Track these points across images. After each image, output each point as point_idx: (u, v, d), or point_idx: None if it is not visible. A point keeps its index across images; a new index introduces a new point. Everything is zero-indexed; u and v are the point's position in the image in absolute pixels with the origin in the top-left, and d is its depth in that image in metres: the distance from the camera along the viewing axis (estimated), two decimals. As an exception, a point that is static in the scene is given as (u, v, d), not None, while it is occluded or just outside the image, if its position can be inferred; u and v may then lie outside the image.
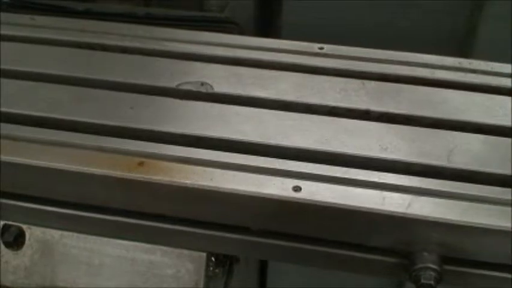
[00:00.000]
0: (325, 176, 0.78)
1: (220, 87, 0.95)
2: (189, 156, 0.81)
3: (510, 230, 0.73)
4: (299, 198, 0.75)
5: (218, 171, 0.79)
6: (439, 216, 0.74)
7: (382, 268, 0.81)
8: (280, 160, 0.80)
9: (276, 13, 1.61)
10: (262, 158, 0.81)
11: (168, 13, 1.36)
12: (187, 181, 0.77)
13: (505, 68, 1.02)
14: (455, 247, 0.77)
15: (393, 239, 0.78)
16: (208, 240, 0.85)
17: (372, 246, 0.79)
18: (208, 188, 0.77)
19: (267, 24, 1.62)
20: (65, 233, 0.90)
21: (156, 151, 0.81)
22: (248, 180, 0.77)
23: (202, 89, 0.94)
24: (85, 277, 0.90)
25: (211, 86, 0.95)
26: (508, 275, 0.79)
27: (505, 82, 0.99)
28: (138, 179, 0.78)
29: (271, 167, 0.79)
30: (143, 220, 0.84)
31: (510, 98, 0.96)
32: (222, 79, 0.97)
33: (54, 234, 0.90)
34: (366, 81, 0.97)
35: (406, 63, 1.02)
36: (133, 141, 0.83)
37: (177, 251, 0.89)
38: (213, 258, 0.91)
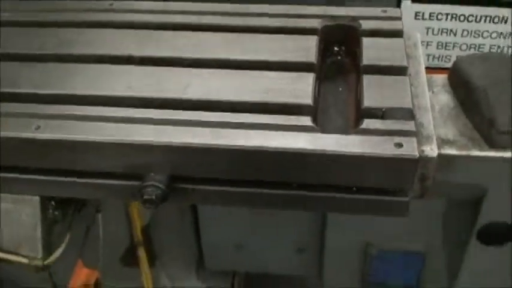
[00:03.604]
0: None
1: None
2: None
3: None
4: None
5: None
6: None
7: (119, 190, 0.90)
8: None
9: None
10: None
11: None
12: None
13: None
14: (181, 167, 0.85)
15: (124, 165, 0.87)
16: (42, 185, 0.99)
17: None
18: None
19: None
20: None
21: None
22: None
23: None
24: None
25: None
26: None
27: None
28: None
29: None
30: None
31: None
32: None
33: None
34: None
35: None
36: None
37: (19, 197, 1.05)
38: (53, 203, 1.06)
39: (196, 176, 0.87)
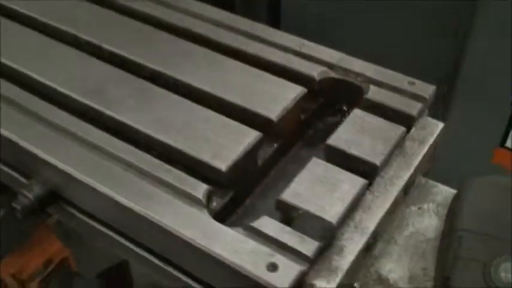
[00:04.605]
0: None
1: None
2: None
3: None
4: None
5: None
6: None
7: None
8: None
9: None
10: None
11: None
12: None
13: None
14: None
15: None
16: None
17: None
18: None
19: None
20: None
21: None
22: None
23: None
24: None
25: None
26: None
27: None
28: None
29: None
30: None
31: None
32: None
33: None
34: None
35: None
36: None
37: None
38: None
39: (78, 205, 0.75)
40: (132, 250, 0.71)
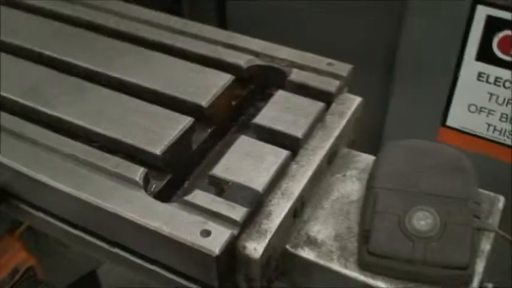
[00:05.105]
0: None
1: None
2: None
3: None
4: None
5: None
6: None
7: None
8: None
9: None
10: None
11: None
12: None
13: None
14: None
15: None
16: None
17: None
18: None
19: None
20: None
21: None
22: None
23: None
24: None
25: None
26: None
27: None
28: None
29: None
30: None
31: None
32: None
33: None
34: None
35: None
36: None
37: None
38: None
39: (26, 199, 0.79)
40: (81, 237, 0.76)
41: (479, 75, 1.39)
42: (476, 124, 1.46)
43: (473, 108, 1.45)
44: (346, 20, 1.66)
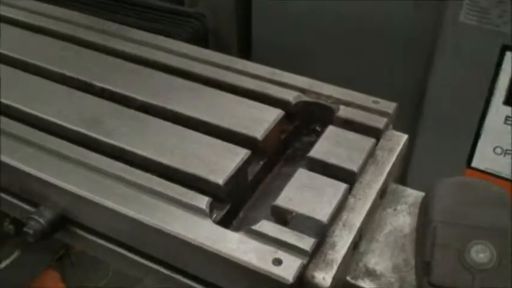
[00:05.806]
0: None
1: None
2: None
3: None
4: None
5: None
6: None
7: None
8: None
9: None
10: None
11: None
12: None
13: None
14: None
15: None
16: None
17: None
18: None
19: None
20: None
21: None
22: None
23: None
24: None
25: None
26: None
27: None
28: None
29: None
30: None
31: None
32: None
33: None
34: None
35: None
36: None
37: None
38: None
39: (88, 225, 0.80)
40: (142, 264, 0.76)
41: (506, 118, 1.44)
42: (501, 166, 1.49)
43: (498, 151, 1.49)
44: (376, 59, 1.68)
